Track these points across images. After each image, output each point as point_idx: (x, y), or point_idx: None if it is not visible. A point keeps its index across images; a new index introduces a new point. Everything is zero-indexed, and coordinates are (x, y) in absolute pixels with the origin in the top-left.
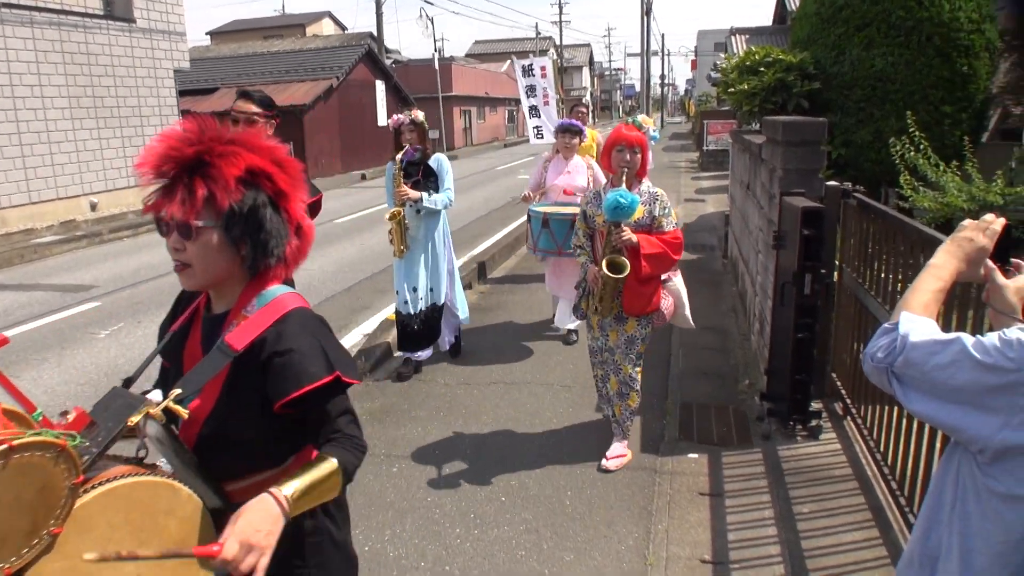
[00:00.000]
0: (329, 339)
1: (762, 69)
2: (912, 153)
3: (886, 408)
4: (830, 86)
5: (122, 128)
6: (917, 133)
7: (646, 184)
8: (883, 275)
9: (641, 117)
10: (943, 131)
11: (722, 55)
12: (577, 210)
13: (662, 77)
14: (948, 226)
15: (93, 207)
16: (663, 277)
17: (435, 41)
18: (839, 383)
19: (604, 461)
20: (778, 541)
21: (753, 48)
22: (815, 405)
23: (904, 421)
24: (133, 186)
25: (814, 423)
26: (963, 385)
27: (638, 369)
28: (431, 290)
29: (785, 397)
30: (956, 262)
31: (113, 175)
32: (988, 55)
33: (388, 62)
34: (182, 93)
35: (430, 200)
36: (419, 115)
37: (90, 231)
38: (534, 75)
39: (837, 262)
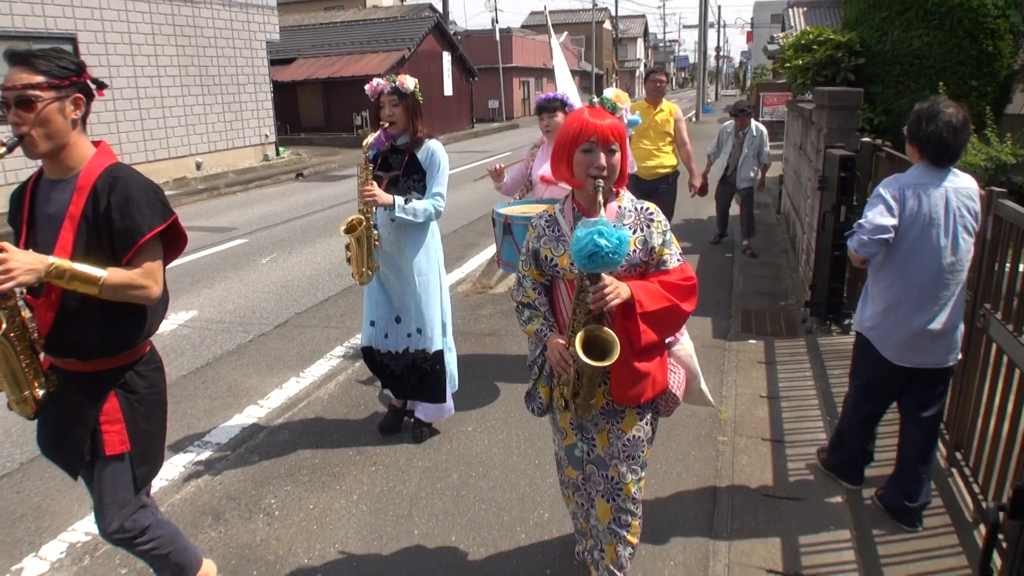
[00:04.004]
0: None
1: (815, 47)
2: None
3: None
4: (874, 62)
5: (222, 95)
6: None
7: (629, 199)
8: None
9: (613, 92)
10: (970, 102)
11: (779, 30)
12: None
13: (717, 49)
14: None
15: (198, 166)
16: (667, 340)
17: (494, 12)
18: None
19: None
20: (815, 388)
21: (807, 28)
22: (846, 311)
23: None
24: (231, 148)
25: (846, 322)
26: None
27: (642, 483)
28: (418, 331)
29: (824, 302)
30: None
31: (215, 138)
32: (1012, 37)
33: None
34: None
35: (406, 208)
36: (408, 83)
37: (209, 185)
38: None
39: None
